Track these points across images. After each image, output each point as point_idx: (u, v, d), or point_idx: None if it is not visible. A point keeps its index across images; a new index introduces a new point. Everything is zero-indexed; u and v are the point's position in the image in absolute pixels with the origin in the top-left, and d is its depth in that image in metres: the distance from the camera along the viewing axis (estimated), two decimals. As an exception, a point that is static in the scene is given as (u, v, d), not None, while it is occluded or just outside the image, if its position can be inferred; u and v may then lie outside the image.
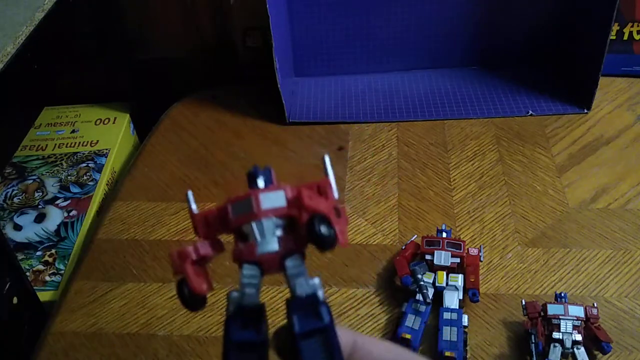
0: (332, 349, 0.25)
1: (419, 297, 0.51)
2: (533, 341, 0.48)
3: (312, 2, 0.78)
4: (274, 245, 0.27)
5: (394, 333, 0.50)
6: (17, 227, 0.68)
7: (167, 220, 0.65)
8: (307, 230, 0.26)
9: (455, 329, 0.49)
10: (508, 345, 0.50)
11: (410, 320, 0.50)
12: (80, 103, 0.88)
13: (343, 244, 0.26)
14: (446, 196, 0.65)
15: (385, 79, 0.83)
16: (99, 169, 0.76)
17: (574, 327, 0.47)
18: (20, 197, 0.72)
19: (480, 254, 0.53)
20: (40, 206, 0.71)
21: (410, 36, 0.81)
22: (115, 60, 0.89)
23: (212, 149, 0.74)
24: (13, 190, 0.73)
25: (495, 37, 0.81)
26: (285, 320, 0.26)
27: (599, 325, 0.48)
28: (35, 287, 0.61)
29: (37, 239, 0.67)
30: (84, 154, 0.79)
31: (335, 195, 0.28)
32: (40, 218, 0.70)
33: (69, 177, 0.75)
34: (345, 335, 0.27)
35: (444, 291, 0.52)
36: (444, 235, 0.55)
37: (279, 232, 0.27)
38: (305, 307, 0.26)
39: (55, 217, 0.70)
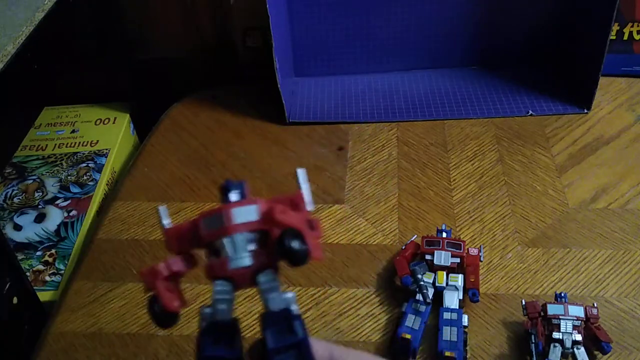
0: None
1: (419, 297, 0.51)
2: (533, 341, 0.48)
3: (312, 2, 0.78)
4: (245, 261, 0.26)
5: (394, 333, 0.50)
6: (17, 227, 0.68)
7: (167, 220, 0.65)
8: (277, 245, 0.25)
9: (455, 329, 0.49)
10: (508, 345, 0.50)
11: (410, 320, 0.50)
12: (80, 103, 0.88)
13: (317, 259, 0.26)
14: (446, 196, 0.65)
15: (385, 79, 0.83)
16: (99, 169, 0.76)
17: (574, 327, 0.47)
18: (20, 197, 0.72)
19: (480, 254, 0.53)
20: (40, 206, 0.71)
21: (410, 36, 0.81)
22: (115, 60, 0.89)
23: (212, 149, 0.74)
24: (13, 190, 0.73)
25: (495, 37, 0.81)
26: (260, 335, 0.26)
27: (599, 325, 0.48)
28: (35, 287, 0.61)
29: (37, 239, 0.67)
30: (84, 154, 0.79)
31: (309, 207, 0.28)
32: (40, 218, 0.70)
33: (69, 177, 0.75)
34: (321, 348, 0.27)
35: (444, 291, 0.52)
36: (444, 235, 0.55)
37: (251, 247, 0.27)
38: (279, 322, 0.26)
39: (55, 217, 0.69)
